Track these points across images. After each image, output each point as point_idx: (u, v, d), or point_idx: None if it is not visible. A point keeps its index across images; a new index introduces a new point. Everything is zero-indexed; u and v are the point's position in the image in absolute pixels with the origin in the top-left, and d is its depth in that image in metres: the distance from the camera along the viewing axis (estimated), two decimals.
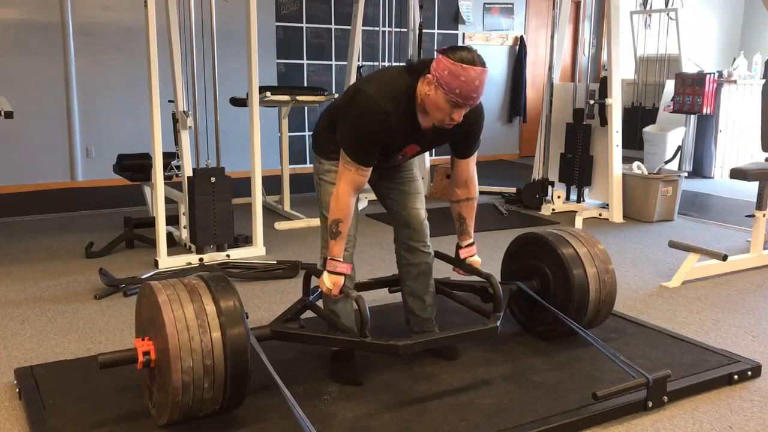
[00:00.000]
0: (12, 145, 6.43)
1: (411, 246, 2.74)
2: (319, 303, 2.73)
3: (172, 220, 4.52)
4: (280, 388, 2.07)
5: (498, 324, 2.55)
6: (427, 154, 6.48)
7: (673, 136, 7.24)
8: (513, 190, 6.36)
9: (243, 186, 4.87)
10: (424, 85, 2.29)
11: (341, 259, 2.44)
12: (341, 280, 2.44)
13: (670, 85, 7.58)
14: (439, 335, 2.59)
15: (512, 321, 3.14)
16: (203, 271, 2.55)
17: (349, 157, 2.37)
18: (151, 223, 4.40)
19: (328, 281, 2.43)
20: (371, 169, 2.42)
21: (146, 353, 2.15)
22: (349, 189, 2.39)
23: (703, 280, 3.95)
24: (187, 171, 4.25)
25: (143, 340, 2.19)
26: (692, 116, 7.46)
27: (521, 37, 9.11)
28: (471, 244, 2.73)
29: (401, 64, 2.83)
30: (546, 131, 5.98)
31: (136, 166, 4.86)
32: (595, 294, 2.81)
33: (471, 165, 2.64)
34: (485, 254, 2.90)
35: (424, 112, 2.35)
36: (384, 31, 6.61)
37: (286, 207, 5.59)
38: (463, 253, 2.71)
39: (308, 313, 2.76)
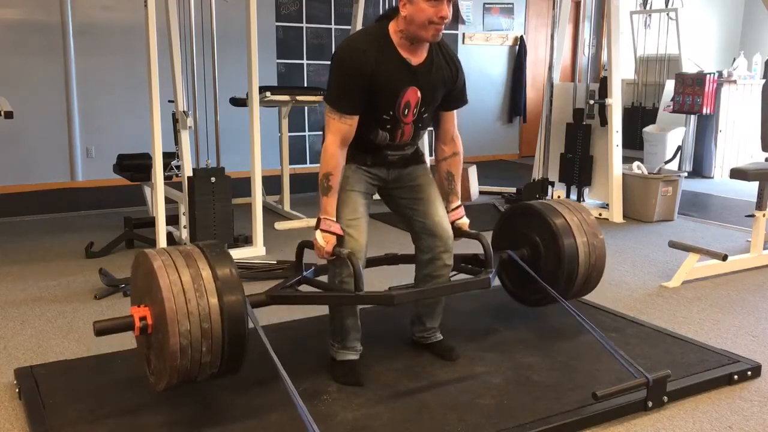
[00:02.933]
0: (12, 145, 6.43)
1: (435, 256, 2.65)
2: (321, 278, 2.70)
3: (172, 220, 4.52)
4: (279, 371, 2.06)
5: (490, 277, 2.57)
6: (426, 154, 6.45)
7: (673, 136, 7.24)
8: (513, 190, 6.36)
9: (243, 186, 4.87)
10: (399, 17, 2.37)
11: (334, 219, 2.44)
12: (334, 239, 2.43)
13: (670, 85, 7.58)
14: (433, 287, 2.63)
15: (512, 322, 3.14)
16: None
17: (332, 105, 2.40)
18: (151, 223, 4.40)
19: (321, 239, 2.42)
20: (357, 118, 2.41)
21: (143, 318, 2.14)
22: (336, 140, 2.40)
23: (703, 280, 3.95)
24: (187, 171, 4.25)
25: (139, 307, 2.18)
26: (692, 116, 7.46)
27: (521, 37, 9.11)
28: (458, 207, 2.73)
29: None
30: (546, 131, 5.98)
31: (136, 166, 4.86)
32: (585, 258, 2.87)
33: (455, 120, 2.67)
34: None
35: (409, 42, 2.40)
36: None
37: (286, 207, 5.59)
38: (451, 217, 2.69)
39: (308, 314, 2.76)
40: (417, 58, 2.44)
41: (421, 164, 2.68)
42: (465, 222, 2.73)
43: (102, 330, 2.18)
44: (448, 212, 2.68)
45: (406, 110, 2.47)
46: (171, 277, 2.07)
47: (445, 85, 2.53)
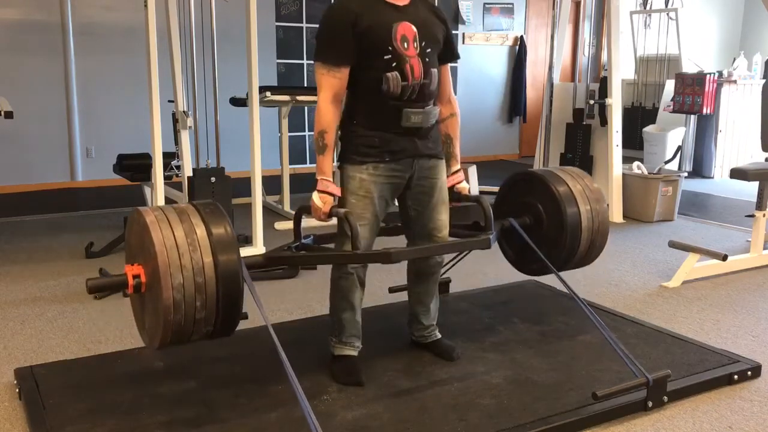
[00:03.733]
0: (12, 145, 6.43)
1: (429, 257, 2.67)
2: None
3: None
4: (282, 361, 2.06)
5: (490, 238, 2.55)
6: None
7: (673, 136, 7.24)
8: None
9: (243, 186, 4.86)
10: None
11: (331, 179, 2.42)
12: (331, 199, 2.42)
13: (670, 85, 7.58)
14: (432, 245, 2.60)
15: (512, 322, 3.14)
16: None
17: (319, 58, 2.40)
18: None
19: (318, 200, 2.40)
20: (347, 70, 2.39)
21: (136, 276, 2.13)
22: (328, 95, 2.39)
23: (703, 280, 3.95)
24: (187, 171, 4.25)
25: (133, 265, 2.18)
26: (692, 116, 7.45)
27: (521, 37, 9.11)
28: (457, 171, 2.71)
29: None
30: (546, 131, 5.98)
31: (136, 166, 4.86)
32: (588, 225, 2.84)
33: (449, 78, 2.65)
34: (485, 253, 2.90)
35: None
36: None
37: (286, 207, 5.59)
38: (450, 181, 2.67)
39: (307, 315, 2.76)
40: (402, 1, 2.44)
41: (440, 160, 2.61)
42: (465, 186, 2.71)
43: (95, 287, 2.17)
44: (447, 176, 2.66)
45: (405, 43, 2.40)
46: (164, 232, 2.06)
47: (436, 27, 2.51)
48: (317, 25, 2.46)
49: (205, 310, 2.07)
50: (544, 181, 2.90)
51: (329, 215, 2.41)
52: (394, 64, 2.39)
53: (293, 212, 2.67)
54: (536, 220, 2.91)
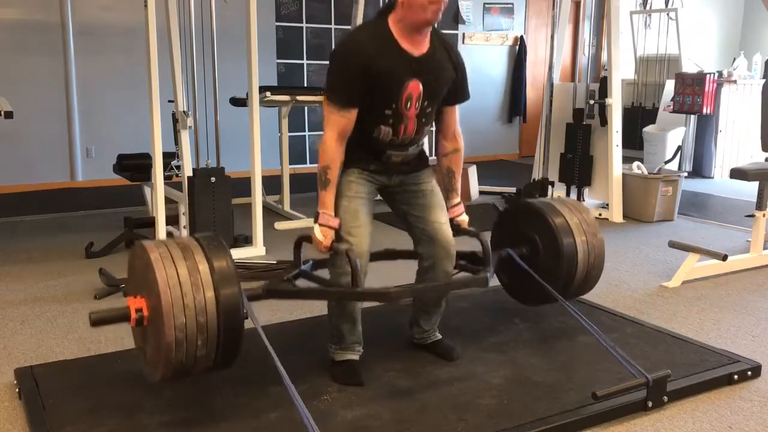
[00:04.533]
0: (12, 145, 6.43)
1: (435, 263, 2.62)
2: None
3: (172, 220, 4.51)
4: (278, 369, 2.06)
5: (488, 276, 2.57)
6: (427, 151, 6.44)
7: (673, 136, 7.24)
8: (513, 190, 6.35)
9: (243, 186, 4.86)
10: (397, 7, 2.38)
11: (332, 213, 2.45)
12: (332, 233, 2.43)
13: (670, 85, 7.58)
14: (432, 284, 2.62)
15: (512, 322, 3.14)
16: None
17: (330, 98, 2.41)
18: (151, 223, 4.40)
19: (319, 234, 2.42)
20: (356, 111, 2.41)
21: (138, 310, 2.14)
22: (335, 134, 2.41)
23: (703, 280, 3.95)
24: (187, 171, 4.25)
25: (135, 297, 2.18)
26: (692, 116, 7.45)
27: (521, 37, 9.11)
28: (458, 204, 2.73)
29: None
30: (546, 131, 5.98)
31: (136, 166, 4.86)
32: (584, 257, 2.87)
33: (456, 116, 2.67)
34: None
35: (409, 32, 2.40)
36: None
37: (286, 207, 5.59)
38: (450, 213, 2.69)
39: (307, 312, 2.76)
40: (418, 50, 2.44)
41: (425, 169, 2.65)
42: (464, 219, 2.73)
43: (98, 320, 2.17)
44: (447, 209, 2.67)
45: (408, 103, 2.45)
46: (168, 271, 2.07)
47: (447, 78, 2.52)
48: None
49: (206, 348, 2.09)
50: (541, 213, 2.93)
51: (330, 249, 2.43)
52: (391, 121, 2.46)
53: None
54: (533, 251, 2.94)
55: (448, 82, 2.53)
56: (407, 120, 2.47)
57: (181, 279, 2.07)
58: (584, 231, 2.92)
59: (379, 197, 2.66)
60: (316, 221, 2.46)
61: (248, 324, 2.50)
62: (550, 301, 2.88)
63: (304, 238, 2.60)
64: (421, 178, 2.63)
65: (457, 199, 2.73)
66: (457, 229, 2.69)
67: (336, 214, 2.47)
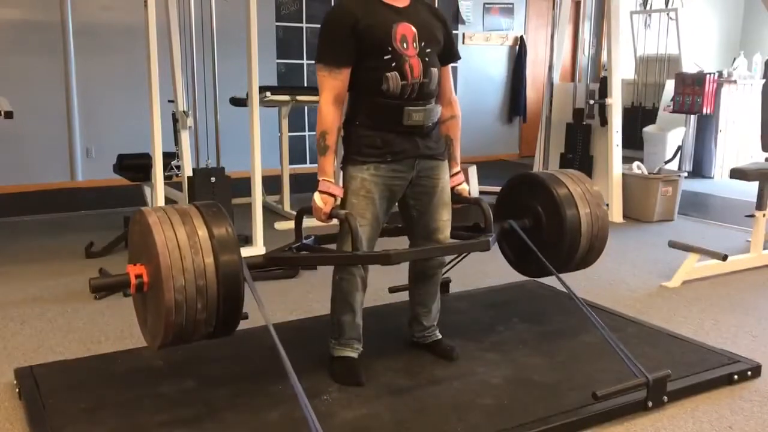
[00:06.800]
0: (12, 145, 6.42)
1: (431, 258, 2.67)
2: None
3: None
4: (282, 359, 2.06)
5: (489, 240, 2.56)
6: None
7: (673, 136, 7.24)
8: None
9: (243, 186, 4.86)
10: None
11: (332, 179, 2.44)
12: (332, 200, 2.43)
13: (670, 85, 7.57)
14: (432, 247, 2.61)
15: (512, 322, 3.14)
16: None
17: (320, 61, 2.42)
18: None
19: (319, 201, 2.41)
20: (348, 71, 2.41)
21: (138, 276, 2.14)
22: (329, 97, 2.41)
23: (703, 280, 3.95)
24: (187, 171, 4.25)
25: (135, 265, 2.18)
26: (692, 116, 7.45)
27: (521, 37, 9.10)
28: (458, 172, 2.72)
29: None
30: (546, 131, 5.98)
31: (136, 166, 4.86)
32: (587, 228, 2.85)
33: (450, 79, 2.67)
34: (485, 253, 2.89)
35: None
36: None
37: (286, 207, 5.58)
38: (451, 182, 2.68)
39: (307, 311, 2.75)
40: (401, 4, 2.46)
41: (443, 162, 2.61)
42: (465, 188, 2.73)
43: (98, 287, 2.18)
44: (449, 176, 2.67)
45: (405, 43, 2.41)
46: (166, 233, 2.07)
47: (437, 27, 2.53)
48: (317, 26, 2.47)
49: (206, 312, 2.08)
50: (544, 184, 2.91)
51: (330, 216, 2.41)
52: (393, 64, 2.40)
53: (293, 212, 2.68)
54: (536, 223, 2.91)
55: (439, 31, 2.54)
56: (409, 60, 2.42)
57: (180, 242, 2.07)
58: (588, 202, 2.89)
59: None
60: (316, 189, 2.44)
61: (249, 324, 2.52)
62: (551, 272, 2.83)
63: (305, 209, 2.58)
64: (437, 172, 2.59)
65: (457, 168, 2.72)
66: (457, 198, 2.69)
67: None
